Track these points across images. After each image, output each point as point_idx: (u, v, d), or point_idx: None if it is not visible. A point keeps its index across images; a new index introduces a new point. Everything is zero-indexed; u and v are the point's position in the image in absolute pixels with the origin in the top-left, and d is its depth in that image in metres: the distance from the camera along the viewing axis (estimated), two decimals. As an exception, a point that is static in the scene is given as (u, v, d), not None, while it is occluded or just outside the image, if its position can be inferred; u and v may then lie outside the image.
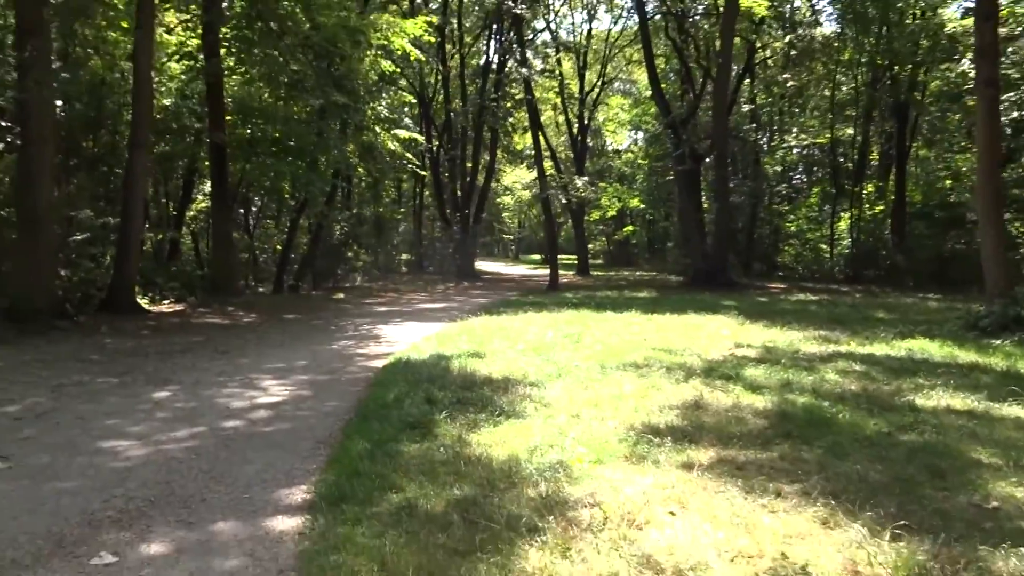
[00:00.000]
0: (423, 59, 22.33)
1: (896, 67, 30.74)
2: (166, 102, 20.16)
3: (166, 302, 17.35)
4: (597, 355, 9.51)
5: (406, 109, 21.93)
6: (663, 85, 42.90)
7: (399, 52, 17.24)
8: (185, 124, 20.26)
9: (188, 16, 17.16)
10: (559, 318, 14.17)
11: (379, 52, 16.72)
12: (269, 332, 13.24)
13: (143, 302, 16.45)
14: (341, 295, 22.67)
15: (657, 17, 36.75)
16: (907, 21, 30.13)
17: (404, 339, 12.33)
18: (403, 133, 19.78)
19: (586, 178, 31.24)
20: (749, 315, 14.52)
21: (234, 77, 19.93)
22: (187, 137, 20.72)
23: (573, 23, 40.78)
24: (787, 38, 31.77)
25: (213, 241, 19.21)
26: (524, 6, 24.49)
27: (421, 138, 22.17)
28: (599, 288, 26.66)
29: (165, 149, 20.24)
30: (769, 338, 11.35)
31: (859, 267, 31.86)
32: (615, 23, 43.46)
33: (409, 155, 20.39)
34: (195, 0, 16.15)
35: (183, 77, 19.93)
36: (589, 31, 40.72)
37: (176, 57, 18.63)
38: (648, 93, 45.39)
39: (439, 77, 36.18)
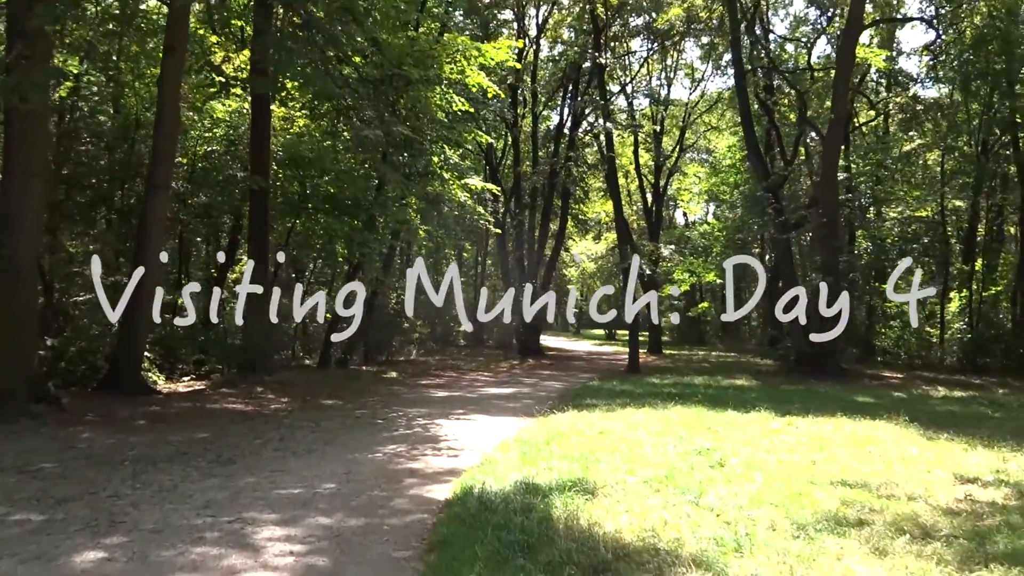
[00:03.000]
0: (502, 95, 19.74)
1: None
2: (209, 148, 17.91)
3: (187, 378, 14.63)
4: (766, 495, 6.29)
5: (471, 168, 19.27)
6: (744, 153, 40.38)
7: (475, 88, 14.66)
8: (230, 173, 17.92)
9: (232, 45, 14.78)
10: (670, 418, 10.94)
11: (450, 88, 14.14)
12: (298, 428, 10.28)
13: (158, 379, 13.77)
14: (394, 373, 19.75)
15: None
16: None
17: (472, 444, 9.25)
18: (476, 182, 17.00)
19: (672, 246, 28.19)
20: (919, 421, 11.05)
21: (281, 114, 17.56)
22: (231, 189, 18.37)
23: (651, 88, 38.21)
24: (898, 97, 28.57)
25: (247, 308, 16.53)
26: (608, 54, 21.93)
27: (496, 188, 19.42)
28: (684, 371, 23.30)
29: (202, 200, 17.85)
30: (989, 463, 7.97)
31: (978, 355, 27.86)
32: (694, 89, 40.89)
33: (481, 209, 17.61)
34: (243, 17, 13.63)
35: (228, 120, 17.65)
36: (667, 95, 38.13)
37: (215, 91, 16.35)
38: (727, 161, 42.86)
39: (508, 139, 33.89)
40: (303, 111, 16.73)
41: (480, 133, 16.14)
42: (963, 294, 30.92)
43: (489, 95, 15.23)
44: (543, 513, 5.60)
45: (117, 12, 12.72)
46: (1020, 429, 11.06)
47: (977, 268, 31.12)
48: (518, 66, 22.22)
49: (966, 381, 22.06)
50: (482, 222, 17.72)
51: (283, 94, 15.14)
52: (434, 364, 24.33)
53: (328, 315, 24.07)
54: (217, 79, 13.26)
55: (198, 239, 21.57)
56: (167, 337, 15.34)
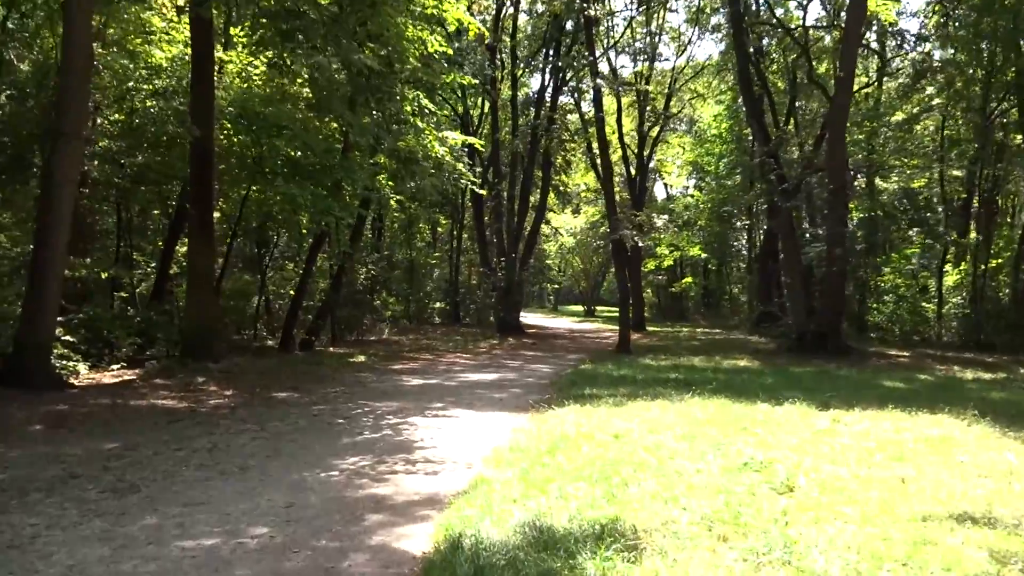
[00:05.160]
0: (486, 33, 17.58)
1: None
2: (147, 102, 15.64)
3: (117, 367, 12.52)
4: (878, 543, 4.44)
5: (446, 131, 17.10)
6: (731, 123, 38.60)
7: (454, 26, 12.52)
8: (172, 130, 15.68)
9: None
10: (693, 415, 9.06)
11: (424, 24, 11.98)
12: (237, 432, 8.25)
13: (81, 368, 11.66)
14: (362, 357, 17.66)
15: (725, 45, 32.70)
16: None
17: (455, 453, 7.32)
18: (455, 136, 14.79)
19: (665, 216, 26.37)
20: (981, 413, 9.29)
21: (232, 64, 15.34)
22: (175, 150, 16.14)
23: (635, 49, 36.10)
24: (908, 56, 26.82)
25: (188, 283, 14.43)
26: (598, 6, 19.87)
27: (479, 142, 17.24)
28: (677, 351, 21.53)
29: (139, 160, 15.59)
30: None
31: (980, 331, 26.44)
32: (680, 54, 38.78)
33: (462, 167, 15.41)
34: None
35: (169, 68, 15.37)
36: (652, 58, 36.03)
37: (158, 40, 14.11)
38: (713, 131, 41.04)
39: (485, 105, 31.74)
40: (245, 50, 14.46)
41: (461, 75, 13.96)
42: (961, 267, 29.54)
43: (471, 33, 13.12)
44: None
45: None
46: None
47: (971, 241, 29.72)
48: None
49: (978, 359, 20.60)
50: (464, 182, 15.53)
51: (228, 29, 12.85)
52: (408, 345, 22.31)
53: (292, 292, 22.07)
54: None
55: (143, 207, 19.35)
56: (94, 318, 13.16)
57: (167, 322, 15.20)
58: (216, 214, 18.91)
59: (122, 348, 13.25)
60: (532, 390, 12.35)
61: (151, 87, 15.51)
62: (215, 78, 14.61)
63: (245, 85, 16.95)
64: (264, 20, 10.38)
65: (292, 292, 21.59)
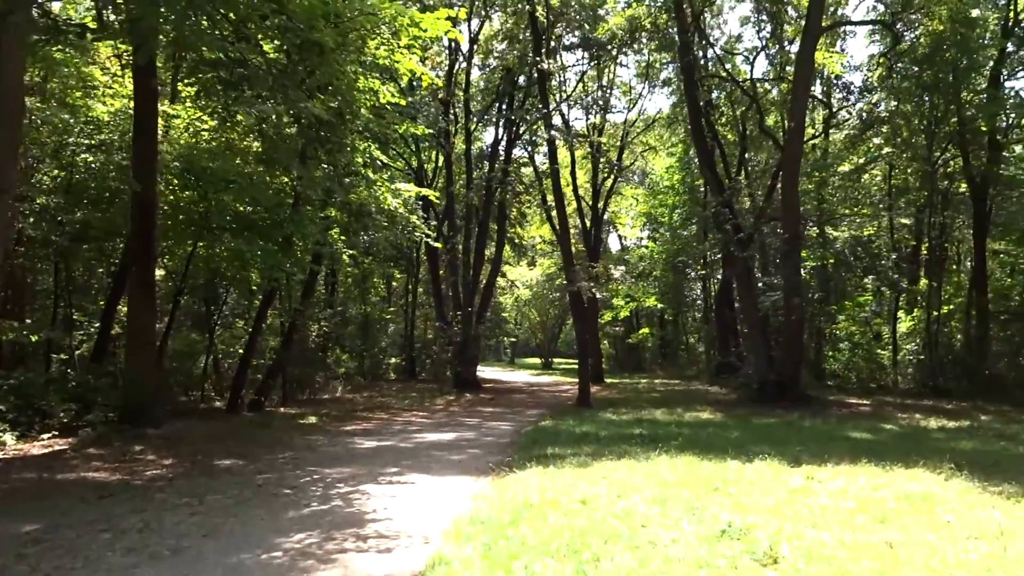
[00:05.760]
0: (439, 83, 17.37)
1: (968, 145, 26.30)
2: (88, 157, 15.06)
3: (47, 436, 11.69)
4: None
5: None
6: (683, 174, 39.05)
7: (407, 77, 12.19)
8: (113, 186, 15.09)
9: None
10: (662, 475, 8.63)
11: (376, 73, 11.63)
12: (173, 508, 7.58)
13: (8, 438, 10.86)
14: (313, 418, 16.95)
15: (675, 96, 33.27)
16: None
17: (411, 525, 6.78)
18: (408, 188, 14.32)
19: (622, 267, 26.24)
20: (957, 466, 9.03)
21: (179, 118, 14.85)
22: (117, 206, 15.53)
23: (587, 102, 36.43)
24: (854, 107, 27.45)
25: (127, 344, 13.71)
26: (551, 61, 19.92)
27: (433, 194, 16.84)
28: (638, 404, 21.17)
29: (78, 217, 14.93)
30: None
31: (935, 377, 26.65)
32: (631, 107, 39.40)
33: (416, 219, 14.93)
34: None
35: (112, 123, 14.83)
36: (605, 111, 36.38)
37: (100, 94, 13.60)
38: (665, 182, 41.44)
39: (439, 158, 31.62)
40: (191, 103, 13.99)
41: (414, 125, 13.60)
42: (914, 315, 29.87)
43: (424, 85, 12.83)
44: None
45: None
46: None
47: (923, 288, 30.18)
48: (460, 37, 19.92)
49: (937, 406, 20.61)
50: (419, 235, 15.06)
51: (174, 81, 12.36)
52: (362, 403, 21.60)
53: (241, 351, 21.30)
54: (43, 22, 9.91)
55: (85, 266, 18.61)
56: (24, 384, 12.36)
57: (108, 385, 14.38)
58: (161, 271, 18.27)
59: (57, 415, 12.40)
60: (492, 450, 11.82)
61: (92, 141, 14.95)
62: (160, 132, 14.10)
63: (193, 140, 16.48)
64: (205, 69, 9.96)
65: (241, 351, 20.84)
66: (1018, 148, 28.51)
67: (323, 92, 9.99)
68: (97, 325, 17.73)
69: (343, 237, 19.09)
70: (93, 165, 14.85)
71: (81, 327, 17.84)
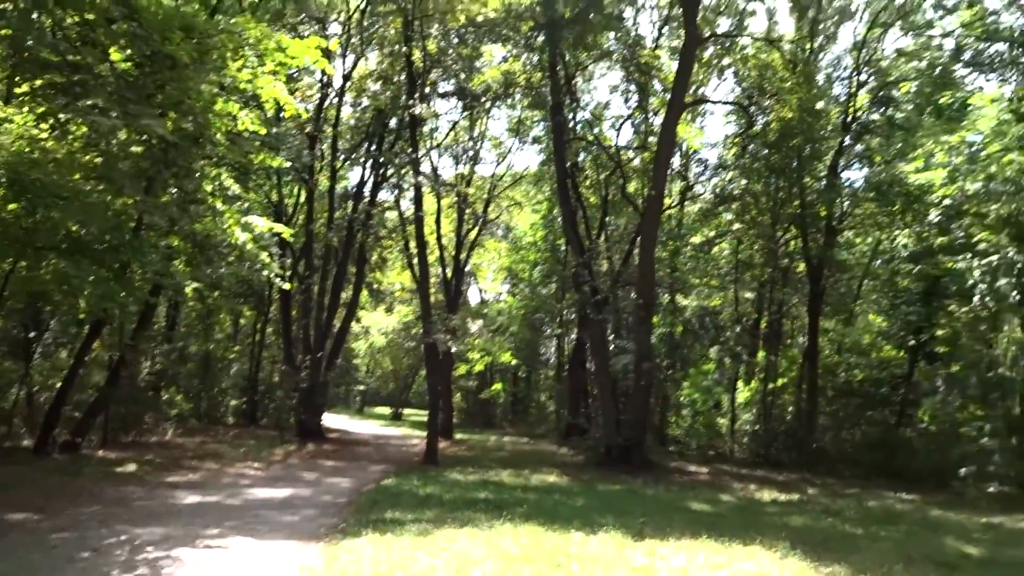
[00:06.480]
0: (303, 114, 16.65)
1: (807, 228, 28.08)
2: None
3: None
4: None
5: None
6: (546, 232, 39.66)
7: (269, 105, 11.50)
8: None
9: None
10: (505, 548, 8.22)
11: (234, 97, 10.85)
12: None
13: None
14: (132, 467, 15.46)
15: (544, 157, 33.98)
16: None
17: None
18: (261, 223, 13.41)
19: (480, 320, 26.01)
20: (791, 545, 9.14)
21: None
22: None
23: (457, 155, 36.50)
24: (709, 182, 28.83)
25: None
26: (425, 107, 19.73)
27: (287, 231, 15.92)
28: (485, 462, 20.85)
29: None
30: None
31: (768, 447, 27.90)
32: (500, 162, 39.84)
33: (267, 258, 13.98)
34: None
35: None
36: (474, 163, 36.53)
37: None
38: (530, 238, 41.95)
39: (301, 194, 30.54)
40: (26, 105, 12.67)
41: (272, 157, 12.78)
42: (752, 386, 31.21)
43: (287, 114, 12.18)
44: None
45: None
46: (890, 552, 9.54)
47: (761, 360, 31.68)
48: (330, 70, 19.24)
49: (770, 477, 21.38)
50: (267, 273, 14.16)
51: (10, 82, 11.06)
52: (192, 450, 20.03)
53: (58, 384, 19.38)
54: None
55: None
56: None
57: None
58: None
59: None
60: (327, 511, 11.03)
61: None
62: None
63: (28, 148, 14.93)
64: (35, 70, 8.94)
65: (58, 384, 18.95)
66: (849, 234, 30.73)
67: (175, 110, 9.18)
68: None
69: (188, 268, 17.85)
70: None
71: None
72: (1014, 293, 17.04)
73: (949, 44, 24.08)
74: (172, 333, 28.64)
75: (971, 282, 18.00)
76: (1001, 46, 22.74)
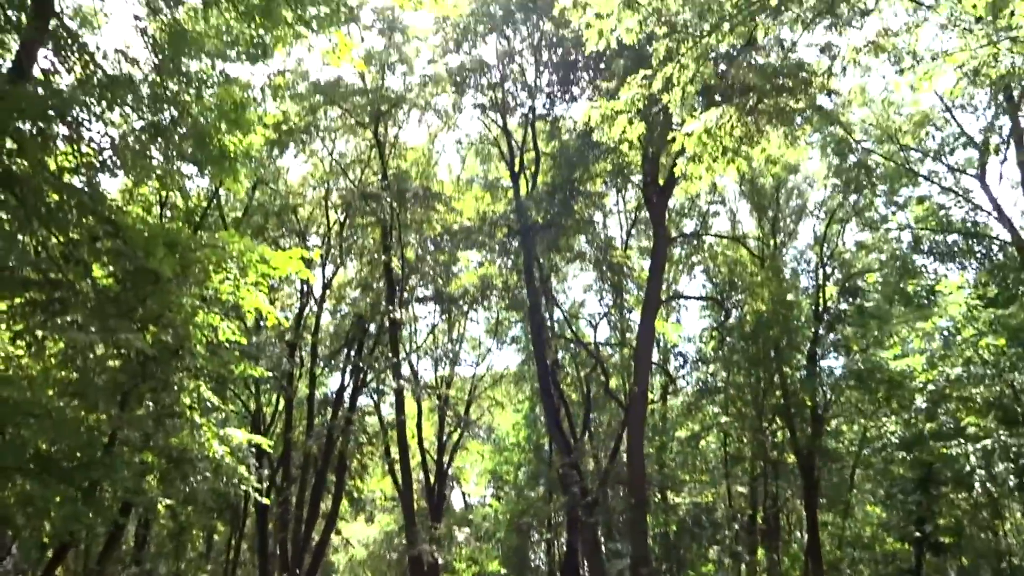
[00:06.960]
0: (285, 324, 16.60)
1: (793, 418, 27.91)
2: None
3: None
4: None
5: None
6: (529, 431, 39.08)
7: (251, 315, 11.60)
8: None
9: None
10: None
11: (216, 308, 10.89)
12: None
13: None
14: None
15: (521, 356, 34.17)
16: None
17: None
18: (240, 435, 13.04)
19: (467, 528, 24.91)
20: None
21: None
22: None
23: (436, 358, 36.64)
24: (691, 375, 28.90)
25: None
26: (404, 312, 20.01)
27: (267, 442, 15.45)
28: None
29: None
30: None
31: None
32: (480, 362, 39.96)
33: (244, 470, 13.45)
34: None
35: None
36: (454, 366, 36.60)
37: None
38: (513, 439, 41.25)
39: (280, 402, 30.18)
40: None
41: (253, 367, 12.68)
42: (755, 585, 29.80)
43: (269, 323, 12.23)
44: None
45: None
46: None
47: (761, 558, 30.50)
48: (312, 279, 19.49)
49: None
50: (245, 488, 13.58)
51: None
52: None
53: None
54: None
55: None
56: None
57: None
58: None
59: None
60: None
61: None
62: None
63: (2, 367, 14.68)
64: (15, 287, 8.96)
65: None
66: (836, 423, 30.51)
67: (155, 324, 9.15)
68: None
69: (161, 485, 17.12)
70: None
71: None
72: (1011, 478, 16.75)
73: (907, 236, 25.24)
74: (141, 554, 27.15)
75: (968, 468, 17.71)
76: (956, 236, 23.87)
